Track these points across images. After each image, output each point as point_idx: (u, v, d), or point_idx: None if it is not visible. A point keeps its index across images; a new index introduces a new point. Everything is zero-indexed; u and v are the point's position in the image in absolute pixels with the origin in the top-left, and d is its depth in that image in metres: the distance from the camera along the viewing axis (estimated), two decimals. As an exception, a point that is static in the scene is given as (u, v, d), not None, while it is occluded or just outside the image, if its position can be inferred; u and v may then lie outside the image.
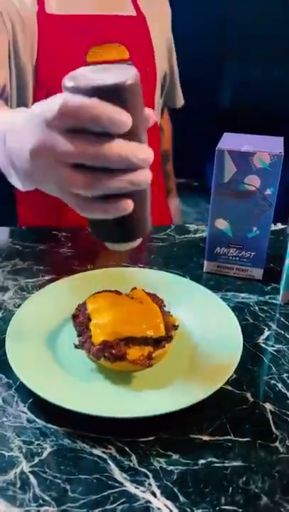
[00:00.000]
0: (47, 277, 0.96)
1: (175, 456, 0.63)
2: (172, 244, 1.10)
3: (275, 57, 2.91)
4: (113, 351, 0.71)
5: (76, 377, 0.73)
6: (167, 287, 0.87)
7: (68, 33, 1.08)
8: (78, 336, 0.75)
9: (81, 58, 1.08)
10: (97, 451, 0.64)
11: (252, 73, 3.00)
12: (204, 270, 1.00)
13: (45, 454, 0.63)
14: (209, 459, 0.63)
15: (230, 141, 0.90)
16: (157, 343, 0.74)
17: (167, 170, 1.54)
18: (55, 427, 0.67)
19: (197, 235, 1.14)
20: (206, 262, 0.99)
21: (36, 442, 0.65)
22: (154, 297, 0.80)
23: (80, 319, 0.76)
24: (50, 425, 0.67)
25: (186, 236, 1.13)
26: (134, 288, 0.82)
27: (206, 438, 0.66)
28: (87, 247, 1.07)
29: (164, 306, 0.80)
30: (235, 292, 0.93)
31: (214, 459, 0.63)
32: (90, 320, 0.75)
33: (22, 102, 1.08)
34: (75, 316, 0.78)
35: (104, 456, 0.63)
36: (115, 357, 0.70)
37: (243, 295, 0.93)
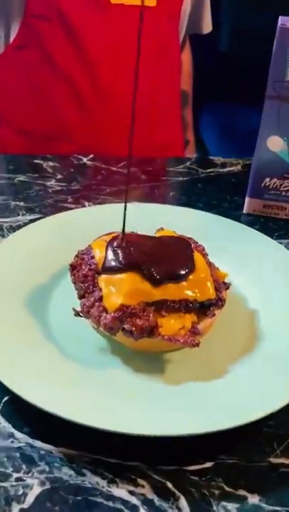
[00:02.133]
0: (29, 217, 0.68)
1: (253, 499, 0.38)
2: (196, 180, 0.83)
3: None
4: (138, 321, 0.44)
5: (78, 363, 0.46)
6: (204, 230, 0.60)
7: None
8: (80, 297, 0.48)
9: None
10: (119, 492, 0.38)
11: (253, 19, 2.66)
12: (244, 211, 0.74)
13: (30, 499, 0.37)
14: (312, 505, 0.37)
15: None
16: (204, 309, 0.47)
17: (186, 117, 1.23)
18: (46, 447, 0.40)
19: (226, 169, 0.86)
20: (247, 200, 0.73)
21: (15, 475, 0.38)
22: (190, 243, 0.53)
23: (84, 272, 0.49)
24: (37, 443, 0.40)
25: (212, 170, 0.86)
26: (161, 228, 0.55)
27: (297, 465, 0.40)
28: (85, 180, 0.79)
29: (207, 255, 0.53)
30: (291, 240, 0.67)
31: None
32: (98, 273, 0.48)
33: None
34: (74, 268, 0.50)
35: (134, 500, 0.37)
36: (141, 330, 0.44)
37: (303, 244, 0.66)
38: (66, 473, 0.39)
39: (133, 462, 0.40)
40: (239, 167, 0.87)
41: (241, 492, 0.38)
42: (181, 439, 0.40)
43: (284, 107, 0.65)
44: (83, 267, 0.50)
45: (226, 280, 0.52)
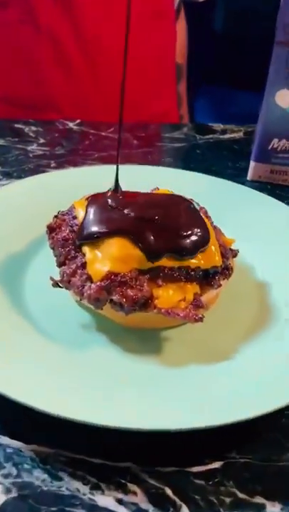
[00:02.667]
0: (5, 181, 0.60)
1: (273, 508, 0.30)
2: (194, 146, 0.75)
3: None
4: (129, 292, 0.36)
5: (57, 341, 0.38)
6: (205, 193, 0.52)
7: None
8: (60, 265, 0.40)
9: None
10: (105, 501, 0.30)
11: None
12: (249, 178, 0.66)
13: (-8, 511, 0.29)
14: None
15: None
16: (208, 279, 0.39)
17: (180, 92, 1.14)
18: (14, 445, 0.32)
19: (226, 136, 0.78)
20: (252, 165, 0.65)
21: (-25, 481, 0.30)
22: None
23: (64, 235, 0.41)
24: (4, 439, 0.32)
25: (211, 136, 0.78)
26: (157, 189, 0.47)
27: None
28: (70, 145, 0.70)
29: (210, 218, 0.45)
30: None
31: None
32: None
33: None
34: (53, 230, 0.42)
35: (122, 510, 0.29)
36: (132, 302, 0.36)
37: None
38: (38, 477, 0.31)
39: (123, 463, 0.32)
40: (241, 134, 0.79)
41: (258, 499, 0.30)
42: (181, 435, 0.32)
43: (296, 56, 0.57)
44: (63, 228, 0.42)
45: (233, 247, 0.44)
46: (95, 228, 0.39)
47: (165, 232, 0.39)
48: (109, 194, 0.43)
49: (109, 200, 0.42)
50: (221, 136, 0.79)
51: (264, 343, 0.39)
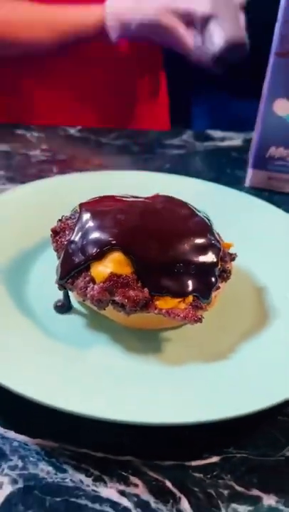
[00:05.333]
0: (9, 186, 0.61)
1: (269, 500, 0.31)
2: (193, 153, 0.76)
3: None
4: (130, 293, 0.37)
5: (61, 340, 0.39)
6: (204, 199, 0.53)
7: None
8: (64, 267, 0.41)
9: None
10: (108, 492, 0.31)
11: None
12: (247, 184, 0.67)
13: (-1, 501, 0.30)
14: None
15: None
16: (206, 281, 0.41)
17: None
18: (20, 439, 0.33)
19: (225, 143, 0.80)
20: (250, 172, 0.66)
21: (-18, 472, 0.31)
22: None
23: (67, 238, 0.42)
24: (10, 434, 0.34)
25: (209, 143, 0.79)
26: (157, 194, 0.49)
27: None
28: (72, 151, 0.72)
29: (211, 222, 0.47)
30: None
31: None
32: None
33: None
34: (57, 234, 0.44)
35: (125, 502, 0.30)
36: (134, 303, 0.37)
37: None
38: (43, 469, 0.32)
39: (124, 457, 0.33)
40: (239, 141, 0.80)
41: (255, 492, 0.32)
42: (181, 430, 0.34)
43: (293, 66, 0.58)
44: (67, 232, 0.43)
45: (232, 251, 0.45)
46: (75, 260, 0.40)
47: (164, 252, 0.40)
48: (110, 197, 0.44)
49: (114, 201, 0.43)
50: (220, 144, 0.80)
51: (261, 344, 0.41)
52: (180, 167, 0.71)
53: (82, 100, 0.86)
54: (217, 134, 0.83)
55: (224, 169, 0.72)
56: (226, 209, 0.54)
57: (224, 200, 0.56)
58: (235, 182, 0.68)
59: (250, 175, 0.67)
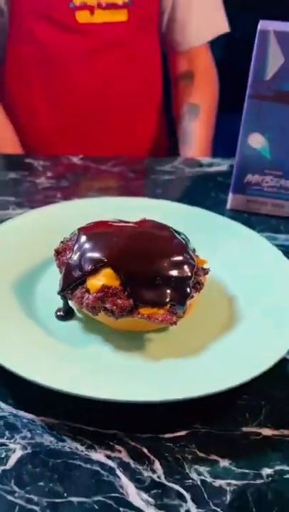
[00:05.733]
0: (19, 210, 0.71)
1: (224, 463, 0.40)
2: (182, 178, 0.86)
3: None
4: (118, 301, 0.46)
5: (62, 340, 0.48)
6: (186, 222, 0.62)
7: None
8: (64, 280, 0.51)
9: None
10: (97, 456, 0.40)
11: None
12: (228, 207, 0.76)
13: (12, 461, 0.39)
14: (279, 467, 0.39)
15: (275, 24, 0.65)
16: (182, 291, 0.50)
17: (190, 130, 1.14)
18: (28, 416, 0.42)
19: (212, 169, 0.89)
20: (231, 196, 0.75)
21: (-1, 441, 0.40)
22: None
23: (68, 257, 0.51)
24: (20, 413, 0.42)
25: (198, 170, 0.88)
26: (144, 219, 0.58)
27: (267, 432, 0.42)
28: (74, 178, 0.81)
29: (188, 242, 0.56)
30: (272, 233, 0.69)
31: (287, 467, 0.39)
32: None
33: None
34: (59, 253, 0.53)
35: (110, 463, 0.39)
36: (121, 309, 0.46)
37: (283, 236, 0.69)
38: (47, 439, 0.41)
39: (111, 430, 0.42)
40: (225, 167, 0.89)
41: (213, 457, 0.40)
42: (157, 408, 0.42)
43: (264, 106, 0.67)
44: (67, 252, 0.52)
45: (205, 266, 0.54)
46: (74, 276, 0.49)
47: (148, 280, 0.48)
48: (104, 222, 0.53)
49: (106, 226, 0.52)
50: (208, 169, 0.89)
51: (226, 343, 0.49)
52: (168, 192, 0.81)
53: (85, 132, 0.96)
54: (206, 160, 0.92)
55: (209, 193, 0.81)
56: (204, 230, 0.63)
57: (203, 222, 0.65)
58: (218, 204, 0.77)
59: (230, 199, 0.76)
